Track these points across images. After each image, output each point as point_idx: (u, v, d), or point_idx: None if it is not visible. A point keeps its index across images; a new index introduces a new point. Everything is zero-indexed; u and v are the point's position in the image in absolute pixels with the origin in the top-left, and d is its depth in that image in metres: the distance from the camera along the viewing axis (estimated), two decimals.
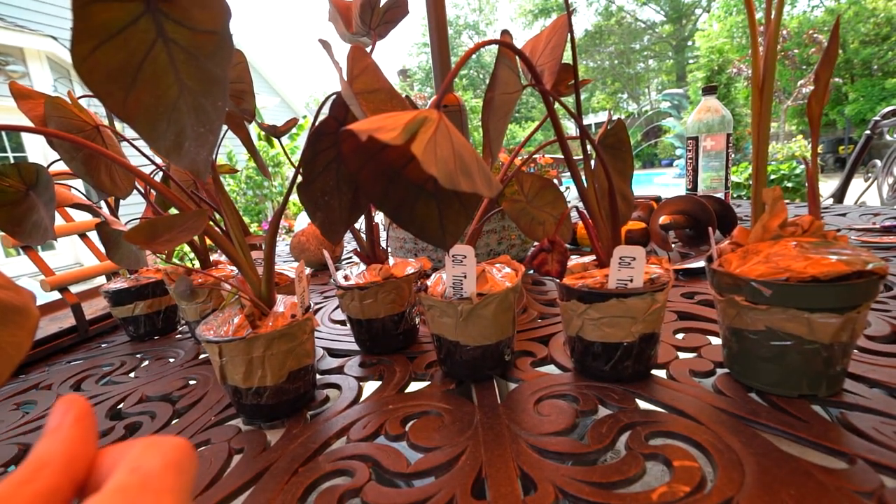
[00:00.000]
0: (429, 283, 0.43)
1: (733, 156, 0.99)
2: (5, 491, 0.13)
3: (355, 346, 0.54)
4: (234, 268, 0.61)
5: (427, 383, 0.43)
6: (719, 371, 0.38)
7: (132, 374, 0.56)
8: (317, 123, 0.36)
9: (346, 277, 0.52)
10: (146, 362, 0.59)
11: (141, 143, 0.32)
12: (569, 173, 0.41)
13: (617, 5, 17.54)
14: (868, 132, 1.54)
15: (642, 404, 0.35)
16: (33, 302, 0.27)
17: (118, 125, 0.86)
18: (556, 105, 0.36)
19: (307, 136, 0.35)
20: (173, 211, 0.67)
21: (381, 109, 0.35)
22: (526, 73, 0.35)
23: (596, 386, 0.38)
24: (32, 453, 0.14)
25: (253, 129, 5.28)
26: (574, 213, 0.96)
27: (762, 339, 0.33)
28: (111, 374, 0.57)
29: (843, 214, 0.97)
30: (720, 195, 0.97)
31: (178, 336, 0.68)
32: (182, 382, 0.51)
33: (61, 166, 0.62)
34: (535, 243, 0.78)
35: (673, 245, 0.82)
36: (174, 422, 0.43)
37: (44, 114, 0.41)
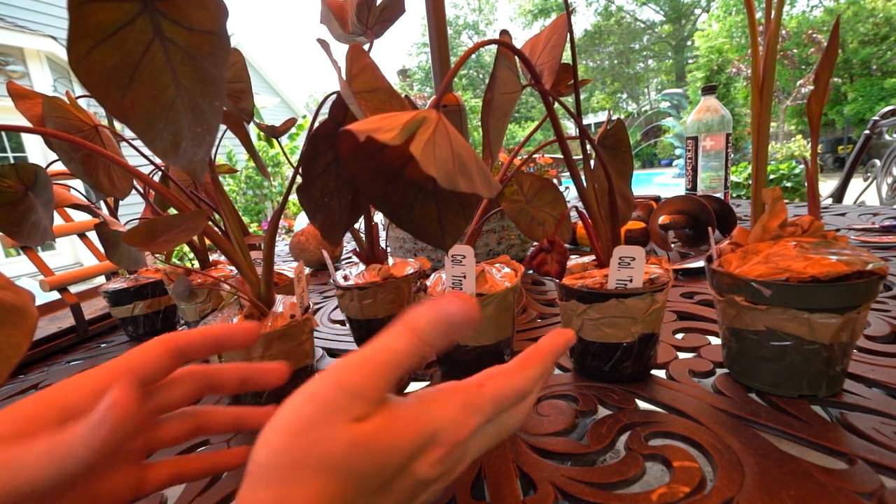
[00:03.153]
0: (428, 283, 0.43)
1: (732, 155, 0.99)
2: None
3: (355, 347, 0.54)
4: (233, 268, 0.61)
5: (426, 384, 0.43)
6: (719, 371, 0.38)
7: None
8: (315, 125, 0.36)
9: (345, 277, 0.51)
10: None
11: (140, 144, 0.32)
12: (568, 173, 0.41)
13: (616, 5, 17.54)
14: (867, 132, 1.54)
15: (642, 404, 0.35)
16: (32, 302, 0.27)
17: (118, 125, 0.86)
18: (556, 105, 0.36)
19: (306, 138, 0.35)
20: (172, 211, 0.67)
21: (380, 109, 0.35)
22: (525, 73, 0.34)
23: (595, 386, 0.38)
24: None
25: (252, 129, 5.28)
26: (573, 213, 0.96)
27: (762, 340, 0.33)
28: None
29: (843, 214, 0.97)
30: (720, 195, 0.97)
31: None
32: None
33: (61, 166, 0.62)
34: (535, 243, 0.78)
35: (672, 245, 0.82)
36: None
37: (42, 114, 0.41)
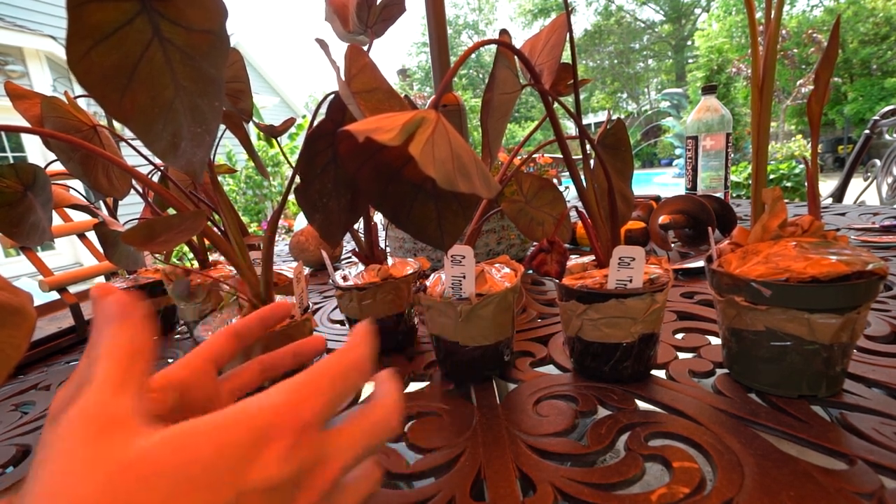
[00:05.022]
0: (427, 283, 0.43)
1: (733, 155, 0.98)
2: None
3: None
4: (232, 268, 0.61)
5: (426, 384, 0.43)
6: (719, 371, 0.38)
7: None
8: (313, 126, 0.36)
9: (344, 278, 0.51)
10: None
11: (139, 144, 0.32)
12: (568, 173, 0.41)
13: (616, 5, 17.53)
14: (867, 132, 1.54)
15: (642, 405, 0.35)
16: (30, 303, 0.27)
17: (117, 125, 0.86)
18: (556, 105, 0.36)
19: (304, 138, 0.35)
20: (172, 211, 0.67)
21: (379, 109, 0.35)
22: (525, 72, 0.34)
23: (595, 386, 0.38)
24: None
25: (252, 129, 5.28)
26: (573, 213, 0.96)
27: (762, 340, 0.33)
28: None
29: (843, 214, 0.97)
30: (720, 195, 0.96)
31: (177, 336, 0.68)
32: None
33: (60, 166, 0.62)
34: (535, 243, 0.78)
35: (672, 245, 0.82)
36: None
37: (40, 114, 0.41)
